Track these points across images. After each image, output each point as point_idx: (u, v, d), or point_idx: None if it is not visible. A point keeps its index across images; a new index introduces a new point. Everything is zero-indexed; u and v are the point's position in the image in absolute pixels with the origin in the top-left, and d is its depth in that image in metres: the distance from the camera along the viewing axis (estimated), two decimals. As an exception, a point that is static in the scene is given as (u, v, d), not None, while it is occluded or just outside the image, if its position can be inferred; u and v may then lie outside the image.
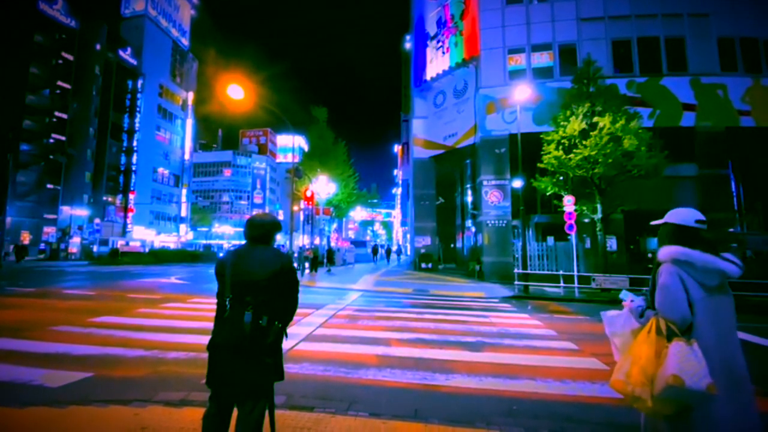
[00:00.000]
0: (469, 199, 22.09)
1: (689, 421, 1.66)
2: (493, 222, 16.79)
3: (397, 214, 75.20)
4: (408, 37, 28.77)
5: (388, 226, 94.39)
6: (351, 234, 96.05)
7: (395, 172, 62.92)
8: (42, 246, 35.78)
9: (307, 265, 18.60)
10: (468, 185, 22.37)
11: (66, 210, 40.31)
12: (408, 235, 36.38)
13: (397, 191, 65.84)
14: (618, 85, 15.13)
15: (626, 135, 11.68)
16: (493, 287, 13.66)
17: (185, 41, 61.44)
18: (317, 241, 27.07)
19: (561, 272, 12.23)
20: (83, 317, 6.76)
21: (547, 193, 13.55)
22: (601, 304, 10.22)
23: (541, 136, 13.36)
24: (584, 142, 11.92)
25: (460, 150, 19.70)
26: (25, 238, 37.29)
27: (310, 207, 19.28)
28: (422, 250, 22.24)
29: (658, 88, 16.03)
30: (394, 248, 42.57)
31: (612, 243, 14.82)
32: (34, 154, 39.76)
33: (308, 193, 17.79)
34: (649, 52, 16.49)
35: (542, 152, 13.00)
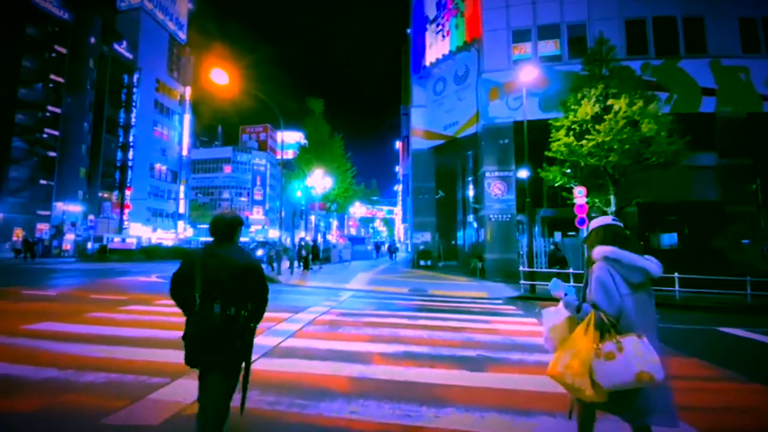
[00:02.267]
0: (471, 192, 21.01)
1: (626, 405, 1.83)
2: (496, 216, 15.70)
3: (398, 211, 74.24)
4: (409, 32, 27.55)
5: (389, 223, 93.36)
6: (352, 231, 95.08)
7: (397, 168, 61.94)
8: (34, 243, 34.98)
9: (296, 263, 17.55)
10: (470, 178, 21.27)
11: (60, 206, 39.47)
12: (409, 232, 35.38)
13: (399, 188, 64.86)
14: (632, 68, 14.01)
15: (644, 119, 10.57)
16: (496, 286, 12.63)
17: (182, 35, 60.28)
18: (309, 236, 26.12)
19: (571, 270, 11.17)
20: (18, 323, 5.79)
21: (556, 184, 12.48)
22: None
23: (550, 122, 12.27)
24: (597, 127, 10.82)
25: (461, 140, 18.59)
26: (18, 234, 36.46)
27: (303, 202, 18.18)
28: (421, 247, 21.20)
29: (675, 71, 14.85)
30: (385, 246, 41.56)
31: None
32: (26, 149, 38.92)
33: (299, 188, 16.72)
34: (665, 33, 15.29)
35: (550, 139, 11.91)
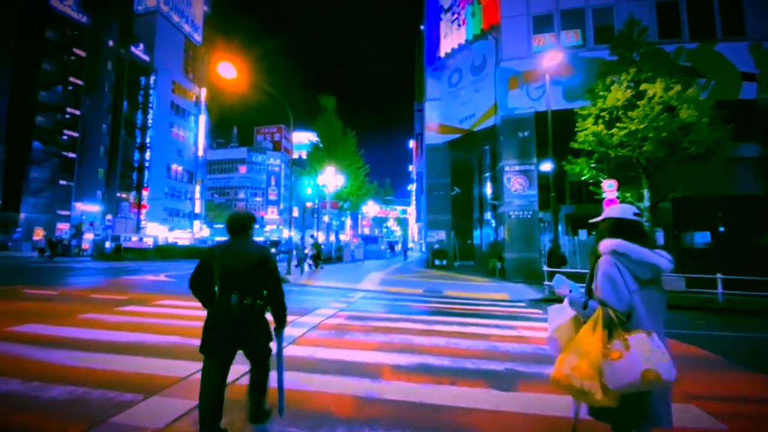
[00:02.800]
0: (489, 189, 20.15)
1: (634, 407, 1.72)
2: (516, 213, 14.85)
3: (412, 210, 73.50)
4: (423, 28, 26.80)
5: (402, 222, 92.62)
6: (366, 230, 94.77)
7: (410, 167, 61.29)
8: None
9: (305, 262, 17.01)
10: (487, 174, 20.40)
11: (79, 206, 40.21)
12: (423, 230, 34.64)
13: (412, 187, 64.15)
14: (666, 51, 13.01)
15: (683, 104, 9.63)
16: (517, 288, 11.84)
17: (198, 37, 60.92)
18: (322, 235, 25.72)
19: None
20: (4, 325, 5.40)
21: (582, 178, 11.59)
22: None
23: (576, 110, 11.40)
24: (630, 114, 9.93)
25: (478, 133, 17.77)
26: (39, 234, 37.27)
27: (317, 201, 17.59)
28: (436, 246, 20.45)
29: (711, 55, 13.73)
30: (399, 246, 40.93)
31: (658, 236, 12.71)
32: (46, 151, 39.77)
33: (309, 185, 16.20)
34: (700, 15, 14.16)
35: (576, 128, 11.05)
